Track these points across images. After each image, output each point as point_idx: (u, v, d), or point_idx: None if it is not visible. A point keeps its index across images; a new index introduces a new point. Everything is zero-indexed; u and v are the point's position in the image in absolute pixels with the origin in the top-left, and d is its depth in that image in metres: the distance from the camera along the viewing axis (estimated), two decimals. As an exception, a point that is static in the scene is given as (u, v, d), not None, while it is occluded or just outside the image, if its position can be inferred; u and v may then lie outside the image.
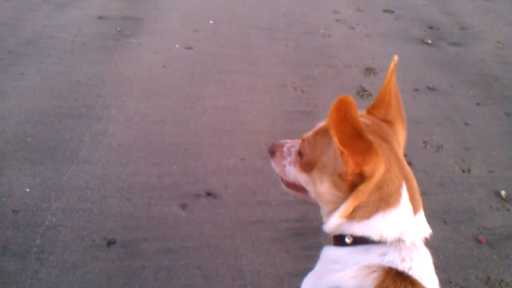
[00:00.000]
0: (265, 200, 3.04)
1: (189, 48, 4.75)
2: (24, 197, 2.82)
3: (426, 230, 1.27)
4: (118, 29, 4.93)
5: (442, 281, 2.64)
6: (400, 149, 1.40)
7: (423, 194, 3.15)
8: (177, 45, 4.76)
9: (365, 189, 1.22)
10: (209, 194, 3.02)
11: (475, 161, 3.65)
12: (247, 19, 5.68)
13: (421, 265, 1.22)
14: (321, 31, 5.60)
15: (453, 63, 5.24)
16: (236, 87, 4.20)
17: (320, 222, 1.44)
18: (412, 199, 1.25)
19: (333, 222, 1.30)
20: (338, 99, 1.11)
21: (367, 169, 1.20)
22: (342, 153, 1.17)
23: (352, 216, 1.26)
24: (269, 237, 2.79)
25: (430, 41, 5.71)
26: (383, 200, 1.22)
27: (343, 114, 1.12)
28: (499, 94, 4.68)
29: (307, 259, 2.65)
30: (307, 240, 2.80)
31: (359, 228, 1.25)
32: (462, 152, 3.73)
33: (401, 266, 1.19)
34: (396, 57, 1.42)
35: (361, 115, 1.27)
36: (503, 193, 3.34)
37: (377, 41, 5.52)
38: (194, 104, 3.87)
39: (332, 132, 1.15)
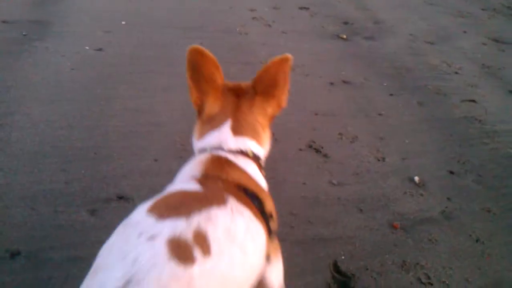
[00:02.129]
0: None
1: (100, 50, 4.59)
2: None
3: (246, 147, 1.75)
4: (24, 33, 4.69)
5: (358, 269, 2.65)
6: (263, 112, 1.83)
7: (339, 184, 3.18)
8: (87, 47, 4.59)
9: (203, 117, 1.82)
10: (120, 197, 2.89)
11: (389, 150, 3.72)
12: (162, 19, 5.57)
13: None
14: (238, 29, 5.58)
15: (367, 57, 5.35)
16: (150, 88, 4.09)
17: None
18: (234, 129, 1.75)
19: (193, 140, 1.88)
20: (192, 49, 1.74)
21: (207, 104, 1.80)
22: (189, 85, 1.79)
23: (198, 135, 1.82)
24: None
25: (345, 36, 5.82)
26: (213, 126, 1.77)
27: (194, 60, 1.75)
28: (411, 85, 4.81)
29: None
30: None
31: (200, 143, 1.79)
32: (376, 142, 3.79)
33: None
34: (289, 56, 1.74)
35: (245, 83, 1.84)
36: (416, 178, 3.42)
37: (293, 38, 5.56)
38: (103, 106, 3.72)
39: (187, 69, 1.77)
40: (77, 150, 3.24)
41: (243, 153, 1.73)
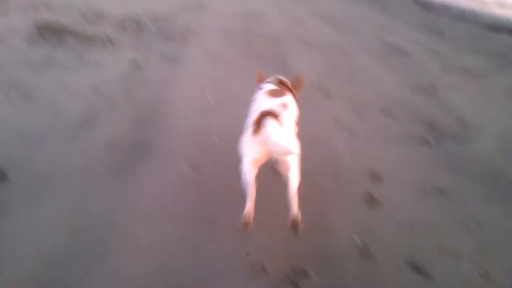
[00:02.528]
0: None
1: (196, 169, 4.81)
2: None
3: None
4: (126, 155, 5.02)
5: None
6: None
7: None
8: (184, 167, 4.83)
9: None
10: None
11: (494, 265, 3.60)
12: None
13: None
14: (322, 139, 5.69)
15: (458, 161, 5.29)
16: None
17: None
18: (271, 92, 4.06)
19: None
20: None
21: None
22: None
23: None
24: None
25: (431, 140, 5.80)
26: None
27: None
28: (508, 190, 4.68)
29: None
30: None
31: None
32: (478, 257, 3.68)
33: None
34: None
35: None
36: (527, 299, 3.27)
37: (379, 145, 5.61)
38: (207, 227, 3.85)
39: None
40: (183, 277, 3.35)
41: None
